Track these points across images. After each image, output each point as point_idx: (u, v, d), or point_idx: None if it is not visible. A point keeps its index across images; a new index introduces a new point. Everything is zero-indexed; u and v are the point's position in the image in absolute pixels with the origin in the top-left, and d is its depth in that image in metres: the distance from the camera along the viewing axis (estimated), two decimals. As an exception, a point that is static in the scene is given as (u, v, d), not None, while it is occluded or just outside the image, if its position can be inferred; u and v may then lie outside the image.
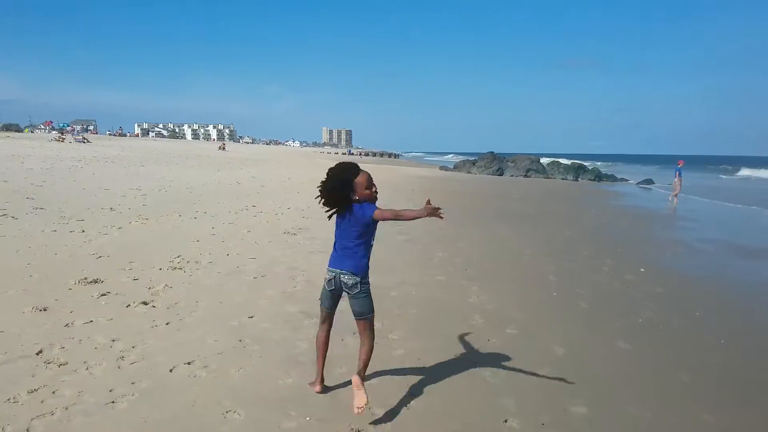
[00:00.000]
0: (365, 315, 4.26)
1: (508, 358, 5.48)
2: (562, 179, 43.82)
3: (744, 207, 23.97)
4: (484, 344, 5.86)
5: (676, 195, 25.62)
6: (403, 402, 4.46)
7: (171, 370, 4.75)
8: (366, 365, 4.26)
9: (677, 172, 26.57)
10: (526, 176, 44.01)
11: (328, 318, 4.49)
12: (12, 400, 4.08)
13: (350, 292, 4.23)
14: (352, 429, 3.99)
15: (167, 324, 5.85)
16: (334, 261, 4.31)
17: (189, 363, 4.92)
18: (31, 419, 3.84)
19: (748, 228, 17.59)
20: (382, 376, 4.92)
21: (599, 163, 67.74)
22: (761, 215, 21.29)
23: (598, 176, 45.55)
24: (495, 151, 49.58)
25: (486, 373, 5.12)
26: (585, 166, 48.13)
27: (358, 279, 4.19)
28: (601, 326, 6.64)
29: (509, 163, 46.97)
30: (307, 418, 4.10)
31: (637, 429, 4.24)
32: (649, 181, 44.89)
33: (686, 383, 5.16)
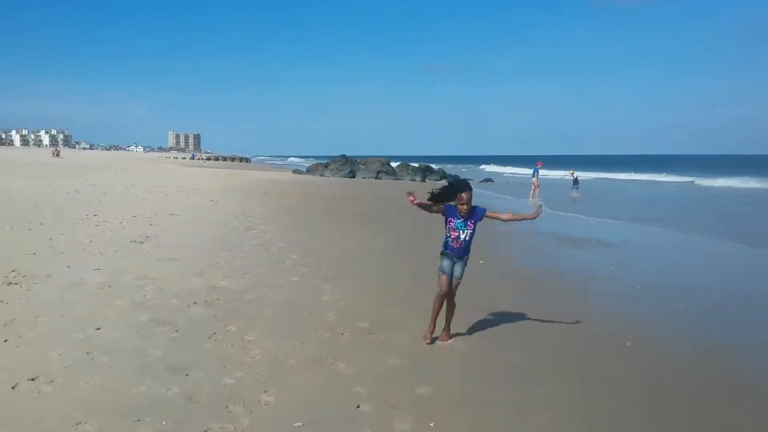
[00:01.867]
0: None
1: (360, 351, 5.79)
2: (411, 180, 45.50)
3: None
4: (338, 339, 6.12)
5: (533, 193, 27.68)
6: (261, 399, 4.59)
7: (13, 388, 4.54)
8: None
9: (535, 173, 28.77)
10: (377, 178, 45.16)
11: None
12: None
13: None
14: (209, 429, 4.06)
15: (5, 341, 5.53)
16: None
17: (33, 379, 4.71)
18: None
19: (567, 222, 19.41)
20: (239, 377, 5.01)
21: (448, 166, 71.64)
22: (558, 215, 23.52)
23: (444, 176, 47.76)
24: (347, 154, 50.41)
25: (340, 365, 5.38)
26: (432, 167, 50.28)
27: None
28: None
29: (361, 166, 47.98)
30: (163, 422, 4.12)
31: (473, 400, 4.70)
32: (489, 180, 47.88)
33: (516, 361, 5.75)
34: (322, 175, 46.77)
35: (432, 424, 4.26)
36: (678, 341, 6.54)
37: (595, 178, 56.57)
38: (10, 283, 7.60)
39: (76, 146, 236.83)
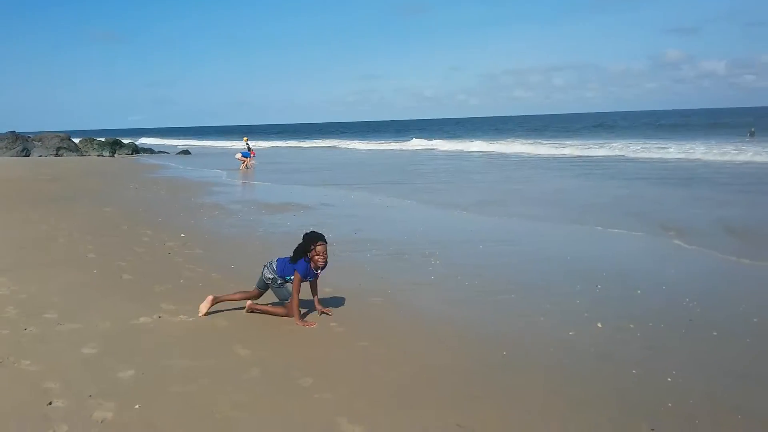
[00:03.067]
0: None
1: (49, 344, 5.25)
2: (98, 156, 41.90)
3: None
4: (20, 334, 5.46)
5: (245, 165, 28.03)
6: None
7: None
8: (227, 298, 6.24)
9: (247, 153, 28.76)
10: (57, 155, 40.57)
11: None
12: None
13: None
14: None
15: None
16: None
17: None
18: None
19: (262, 190, 19.90)
20: None
21: (144, 140, 68.31)
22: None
23: (136, 150, 45.06)
24: (16, 130, 44.25)
25: (25, 362, 4.81)
26: (121, 141, 46.84)
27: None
28: (146, 293, 6.84)
29: (36, 143, 42.57)
30: None
31: (179, 374, 4.61)
32: (186, 152, 46.47)
33: (221, 326, 5.78)
34: (-14, 155, 40.41)
35: (137, 406, 4.08)
36: (369, 284, 7.17)
37: (270, 147, 60.26)
38: None
39: None
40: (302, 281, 5.98)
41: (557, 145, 39.96)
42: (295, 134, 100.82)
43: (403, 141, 59.79)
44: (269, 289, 6.21)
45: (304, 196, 16.49)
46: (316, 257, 5.93)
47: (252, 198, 16.60)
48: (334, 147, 57.84)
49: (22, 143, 41.76)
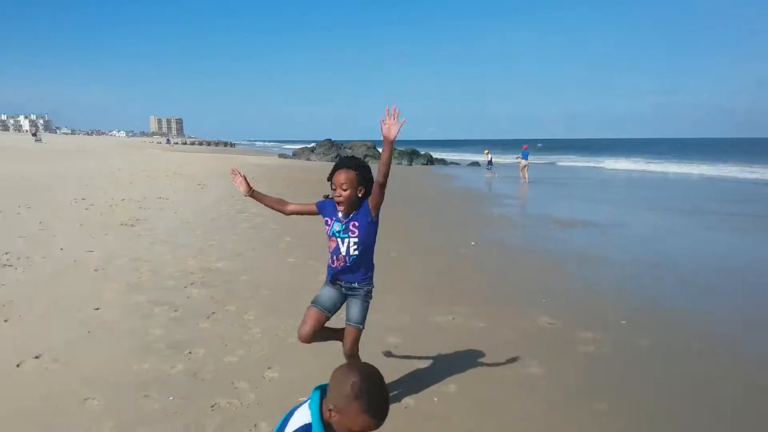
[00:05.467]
0: None
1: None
2: (398, 164, 45.51)
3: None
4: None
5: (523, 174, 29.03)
6: (266, 375, 4.65)
7: (18, 365, 4.57)
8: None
9: (525, 155, 29.76)
10: (363, 162, 45.11)
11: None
12: None
13: None
14: (216, 404, 4.12)
15: (6, 321, 5.54)
16: None
17: (37, 357, 4.75)
18: None
19: (554, 202, 19.57)
20: (242, 354, 5.06)
21: (435, 152, 72.19)
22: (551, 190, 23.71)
23: (430, 160, 47.91)
24: (332, 138, 50.33)
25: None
26: (418, 151, 50.28)
27: None
28: (438, 298, 7.24)
29: (347, 150, 47.92)
30: (170, 398, 4.17)
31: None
32: (476, 164, 48.05)
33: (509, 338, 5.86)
34: (308, 159, 46.63)
35: (435, 399, 4.35)
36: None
37: (550, 162, 57.78)
38: (4, 265, 7.58)
39: (57, 131, 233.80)
40: (326, 222, 4.03)
41: None
42: (580, 150, 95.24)
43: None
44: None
45: (596, 214, 15.91)
46: (333, 189, 3.80)
47: (538, 212, 16.52)
48: (639, 169, 51.76)
49: (336, 150, 47.40)
